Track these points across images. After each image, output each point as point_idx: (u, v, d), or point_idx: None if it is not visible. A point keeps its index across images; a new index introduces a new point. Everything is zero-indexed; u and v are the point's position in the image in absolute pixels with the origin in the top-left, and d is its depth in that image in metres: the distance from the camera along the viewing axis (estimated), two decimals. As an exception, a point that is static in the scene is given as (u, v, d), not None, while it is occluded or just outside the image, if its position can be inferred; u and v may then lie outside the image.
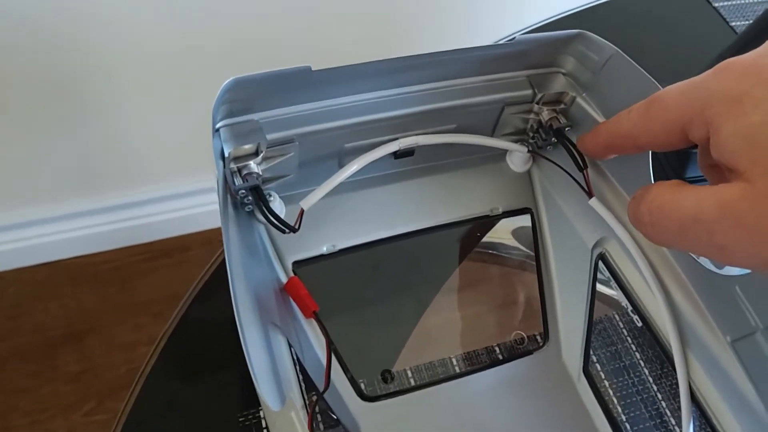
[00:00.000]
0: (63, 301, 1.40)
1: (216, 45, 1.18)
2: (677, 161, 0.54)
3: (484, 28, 1.31)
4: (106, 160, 1.34)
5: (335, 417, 0.42)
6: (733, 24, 0.75)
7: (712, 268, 0.41)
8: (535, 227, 0.50)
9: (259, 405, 0.45)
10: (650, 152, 0.41)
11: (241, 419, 0.45)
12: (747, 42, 0.55)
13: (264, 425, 0.44)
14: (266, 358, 0.39)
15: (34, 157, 1.27)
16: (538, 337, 0.48)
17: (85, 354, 1.34)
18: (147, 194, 1.41)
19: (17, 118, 1.20)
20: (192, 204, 1.43)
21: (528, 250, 0.51)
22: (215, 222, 1.38)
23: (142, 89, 1.23)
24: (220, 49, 1.18)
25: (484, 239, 0.50)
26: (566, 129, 0.45)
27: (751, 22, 0.73)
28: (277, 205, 0.44)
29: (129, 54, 1.16)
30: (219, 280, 0.52)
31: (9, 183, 1.31)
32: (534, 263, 0.50)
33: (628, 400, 0.46)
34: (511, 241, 0.51)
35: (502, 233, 0.50)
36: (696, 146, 0.34)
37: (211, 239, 1.45)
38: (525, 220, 0.51)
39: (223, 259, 0.52)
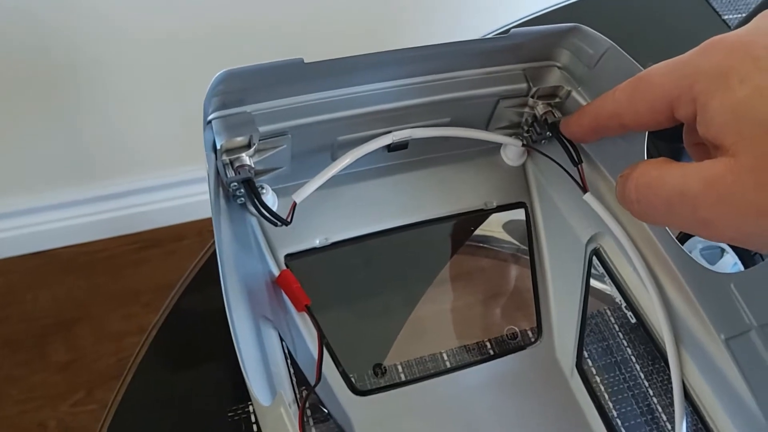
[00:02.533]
0: (53, 290, 1.40)
1: (208, 35, 1.17)
2: (671, 156, 0.54)
3: (476, 18, 1.31)
4: (98, 150, 1.33)
5: (326, 411, 0.42)
6: (726, 17, 0.75)
7: (707, 265, 0.41)
8: (529, 222, 0.50)
9: (249, 399, 0.45)
10: (646, 147, 0.41)
11: (230, 414, 0.44)
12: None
13: (254, 420, 0.44)
14: (257, 352, 0.38)
15: (25, 146, 1.26)
16: (530, 333, 0.48)
17: (74, 344, 1.34)
18: (139, 184, 1.40)
19: (8, 107, 1.19)
20: (184, 194, 1.42)
21: (519, 244, 0.50)
22: (208, 212, 1.37)
23: (134, 78, 1.22)
24: (212, 40, 1.17)
25: (476, 232, 0.50)
26: (561, 119, 0.45)
27: (743, 15, 0.73)
28: (270, 197, 0.43)
29: (121, 43, 1.15)
30: (210, 271, 0.51)
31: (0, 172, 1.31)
32: (526, 257, 0.50)
33: (620, 396, 0.46)
34: (503, 235, 0.51)
35: (493, 226, 0.50)
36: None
37: (203, 229, 1.44)
38: (517, 214, 0.50)
39: (215, 251, 0.52)
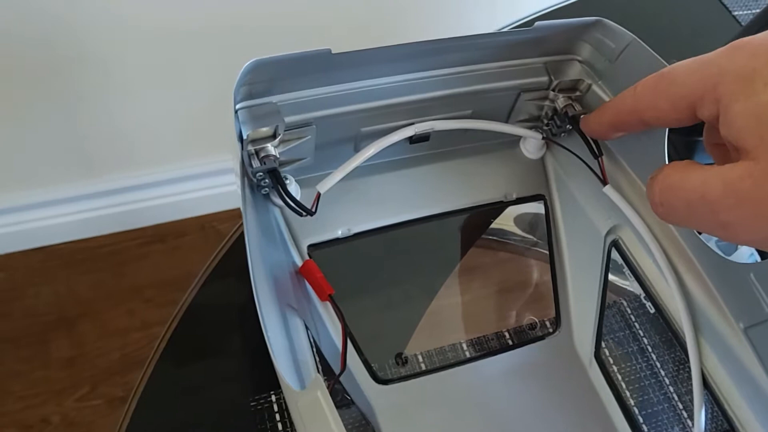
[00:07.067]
0: (55, 286, 1.40)
1: (211, 30, 1.17)
2: (685, 150, 0.55)
3: (481, 13, 1.32)
4: (101, 145, 1.33)
5: (349, 398, 0.42)
6: (736, 13, 0.75)
7: (725, 255, 0.41)
8: (548, 214, 0.50)
9: (271, 389, 0.45)
10: (666, 139, 0.41)
11: (252, 404, 0.45)
12: (756, 31, 0.55)
13: (276, 409, 0.44)
14: (285, 340, 0.39)
15: (27, 140, 1.26)
16: (548, 323, 0.48)
17: (77, 339, 1.33)
18: (141, 179, 1.40)
19: (10, 101, 1.19)
20: (187, 189, 1.42)
21: (533, 237, 0.51)
22: (210, 207, 1.38)
23: (137, 73, 1.22)
24: (215, 34, 1.17)
25: (493, 225, 0.50)
26: (581, 116, 0.45)
27: (757, 11, 0.73)
28: (293, 188, 0.43)
29: (124, 38, 1.15)
30: (227, 264, 0.52)
31: (2, 167, 1.30)
32: (540, 249, 0.51)
33: (637, 385, 0.46)
34: (515, 228, 0.51)
35: (507, 219, 0.51)
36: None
37: (205, 225, 1.44)
38: (530, 207, 0.51)
39: (231, 246, 0.52)
